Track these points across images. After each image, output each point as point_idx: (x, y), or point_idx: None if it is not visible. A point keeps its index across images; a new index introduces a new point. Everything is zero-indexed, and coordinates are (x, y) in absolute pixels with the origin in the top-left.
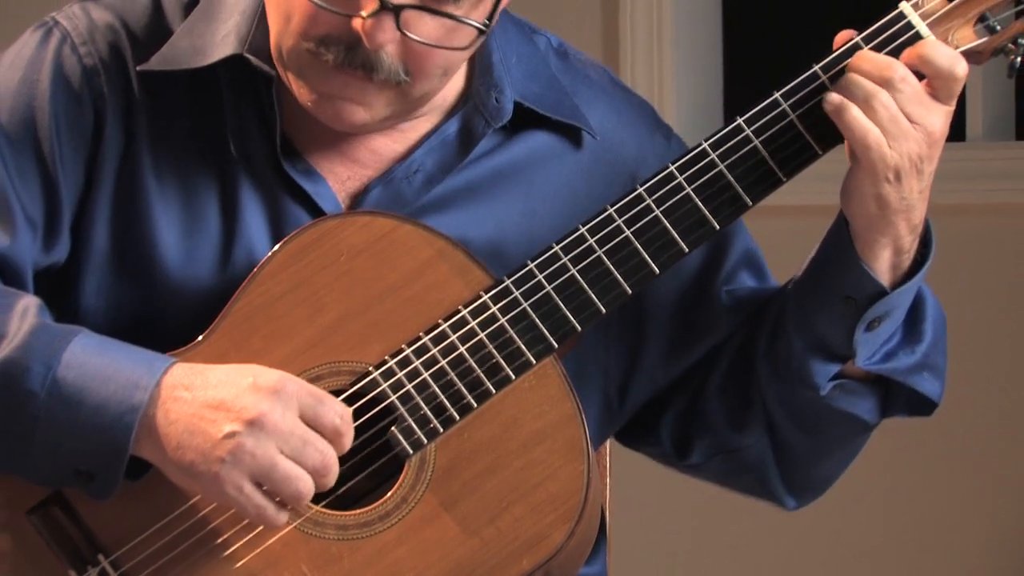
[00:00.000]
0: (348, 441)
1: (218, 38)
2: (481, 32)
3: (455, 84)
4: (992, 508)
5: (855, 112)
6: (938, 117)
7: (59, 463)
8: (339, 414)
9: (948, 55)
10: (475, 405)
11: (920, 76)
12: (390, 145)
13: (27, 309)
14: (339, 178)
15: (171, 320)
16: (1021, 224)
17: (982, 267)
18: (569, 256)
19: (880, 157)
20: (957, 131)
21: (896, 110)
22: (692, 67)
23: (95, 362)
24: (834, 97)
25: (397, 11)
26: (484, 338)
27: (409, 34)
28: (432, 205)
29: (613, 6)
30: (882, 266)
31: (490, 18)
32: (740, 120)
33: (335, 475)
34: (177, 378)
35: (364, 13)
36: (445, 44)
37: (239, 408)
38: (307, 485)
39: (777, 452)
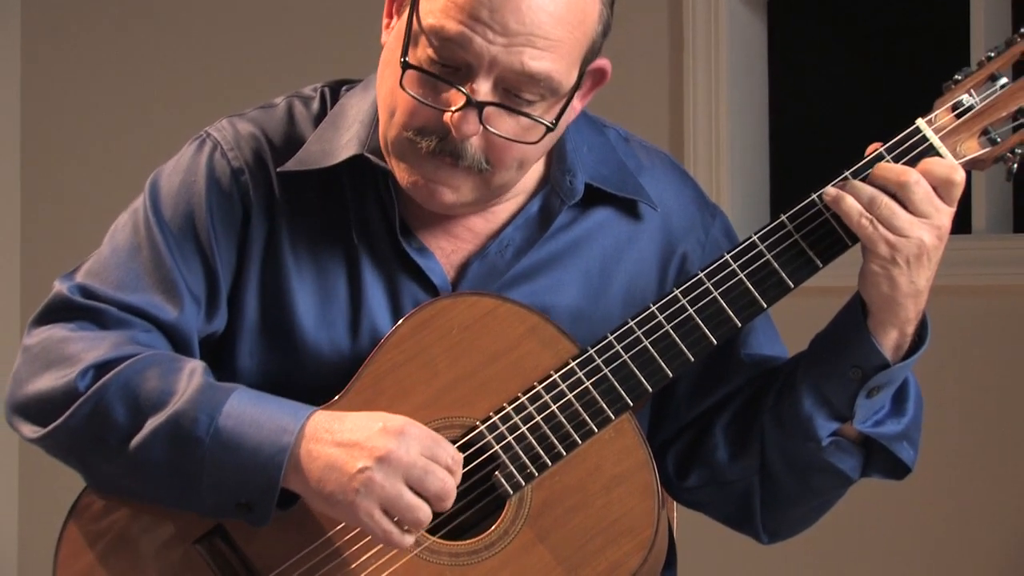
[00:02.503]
0: (458, 478)
1: (343, 143)
2: (549, 129)
3: (536, 171)
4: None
5: (849, 202)
6: (944, 215)
7: (223, 497)
8: (451, 455)
9: (946, 165)
10: (565, 453)
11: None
12: (484, 224)
13: (194, 371)
14: (444, 252)
15: (310, 378)
16: (1017, 303)
17: (986, 339)
18: (642, 330)
19: (882, 239)
20: (964, 225)
21: (896, 206)
22: (743, 172)
23: (250, 412)
24: (830, 190)
25: (480, 108)
26: (572, 398)
27: (490, 128)
28: (522, 274)
29: (679, 125)
30: (888, 344)
31: (557, 119)
32: (783, 217)
33: (452, 500)
34: (318, 423)
35: (453, 108)
36: (520, 139)
37: (371, 447)
38: (426, 513)
39: (764, 490)
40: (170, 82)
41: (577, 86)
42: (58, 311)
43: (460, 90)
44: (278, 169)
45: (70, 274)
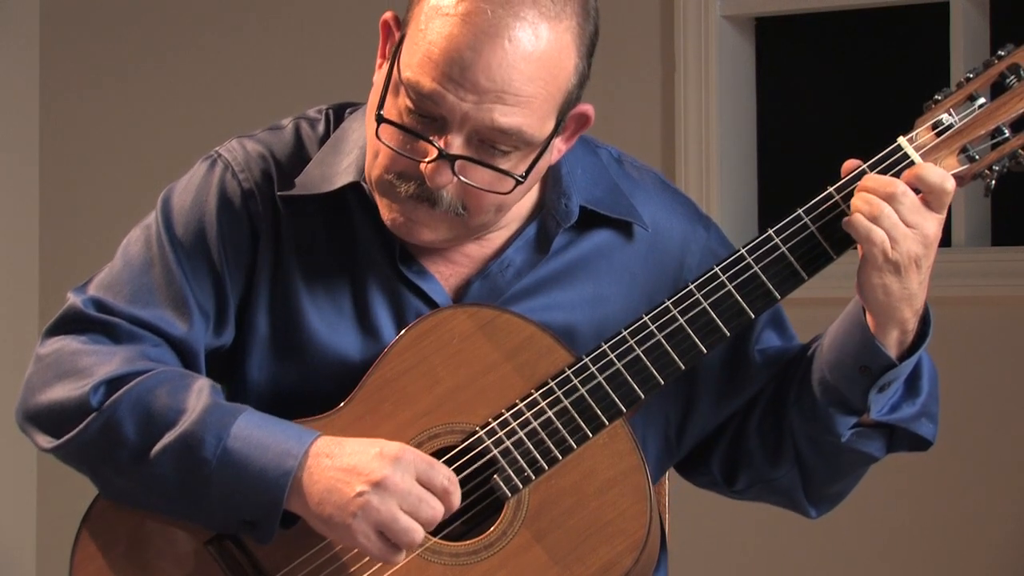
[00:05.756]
0: (456, 498)
1: (342, 168)
2: (519, 182)
3: (531, 195)
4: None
5: (861, 217)
6: (932, 223)
7: (228, 514)
8: (447, 476)
9: (939, 174)
10: (560, 457)
11: (916, 192)
12: (480, 249)
13: (202, 389)
14: (443, 275)
15: (318, 389)
16: (995, 312)
17: (965, 348)
18: (635, 339)
19: (882, 252)
20: (944, 239)
21: (897, 219)
22: (733, 188)
23: (256, 435)
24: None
25: (452, 160)
26: (568, 405)
27: (463, 179)
28: (521, 293)
29: (670, 143)
30: (891, 343)
31: (529, 169)
32: (771, 231)
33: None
34: (320, 447)
35: (427, 160)
36: (493, 189)
37: (368, 472)
38: (420, 535)
39: (803, 478)
40: (187, 96)
41: (554, 134)
42: (71, 323)
43: (433, 144)
44: (279, 193)
45: (83, 287)
